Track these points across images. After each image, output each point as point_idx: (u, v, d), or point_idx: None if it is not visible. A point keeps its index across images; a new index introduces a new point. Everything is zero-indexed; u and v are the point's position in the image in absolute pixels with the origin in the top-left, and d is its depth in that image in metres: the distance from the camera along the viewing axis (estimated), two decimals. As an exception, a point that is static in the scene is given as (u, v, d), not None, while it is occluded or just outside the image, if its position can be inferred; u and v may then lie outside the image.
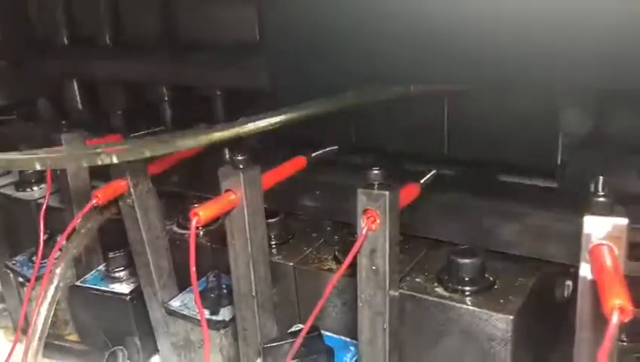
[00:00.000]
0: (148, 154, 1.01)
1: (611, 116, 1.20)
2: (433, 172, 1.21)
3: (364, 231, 0.94)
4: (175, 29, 1.69)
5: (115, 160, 0.99)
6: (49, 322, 1.09)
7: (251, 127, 1.05)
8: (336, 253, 1.28)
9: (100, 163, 1.00)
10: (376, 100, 1.21)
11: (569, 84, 1.11)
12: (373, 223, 0.94)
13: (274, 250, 1.32)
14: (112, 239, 1.41)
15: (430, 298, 1.10)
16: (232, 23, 1.55)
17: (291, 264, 1.27)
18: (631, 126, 1.18)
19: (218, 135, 1.04)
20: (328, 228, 1.40)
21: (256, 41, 1.49)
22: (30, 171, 1.77)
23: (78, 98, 2.01)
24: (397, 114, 1.33)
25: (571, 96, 1.18)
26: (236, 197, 1.03)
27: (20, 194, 1.76)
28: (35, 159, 1.03)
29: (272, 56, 1.42)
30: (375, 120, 1.36)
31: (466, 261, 1.11)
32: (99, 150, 1.00)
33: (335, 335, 1.17)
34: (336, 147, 1.40)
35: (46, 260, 1.47)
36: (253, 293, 1.10)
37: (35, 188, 1.76)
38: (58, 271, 1.11)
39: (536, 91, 1.18)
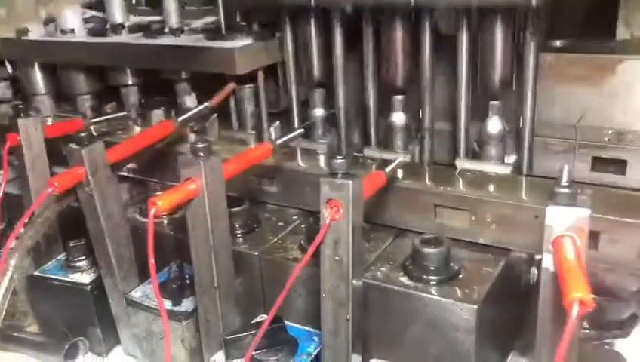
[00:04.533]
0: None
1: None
2: (399, 159, 1.19)
3: (327, 222, 0.92)
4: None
5: None
6: (2, 315, 1.05)
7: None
8: (302, 242, 1.26)
9: None
10: None
11: None
12: (336, 213, 0.92)
13: (239, 239, 1.30)
14: (73, 227, 1.37)
15: (395, 287, 1.09)
16: None
17: (256, 253, 1.25)
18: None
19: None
20: (294, 217, 1.38)
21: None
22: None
23: (39, 81, 1.94)
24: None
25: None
26: (197, 187, 1.00)
27: (-23, 182, 1.70)
28: None
29: None
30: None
31: (431, 250, 1.10)
32: None
33: (299, 326, 1.15)
34: (303, 130, 1.37)
35: (2, 250, 1.44)
36: (216, 285, 1.08)
37: (-7, 174, 1.70)
38: (12, 262, 1.07)
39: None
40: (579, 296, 0.66)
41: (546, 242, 0.79)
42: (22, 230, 1.21)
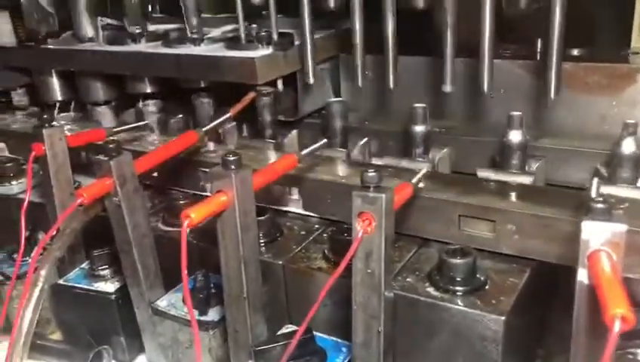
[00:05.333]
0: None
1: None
2: (424, 170, 1.20)
3: (359, 235, 0.92)
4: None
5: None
6: (34, 326, 1.05)
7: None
8: (326, 252, 1.26)
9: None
10: None
11: None
12: (368, 226, 0.92)
13: (262, 249, 1.30)
14: (95, 236, 1.38)
15: (422, 298, 1.10)
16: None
17: (280, 263, 1.26)
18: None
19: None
20: (316, 226, 1.39)
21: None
22: (9, 165, 1.72)
23: (57, 88, 1.95)
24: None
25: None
26: (227, 199, 1.01)
27: (-2, 189, 1.71)
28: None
29: None
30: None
31: (458, 261, 1.10)
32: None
33: (326, 336, 1.16)
34: (326, 140, 1.38)
35: (27, 258, 1.44)
36: (245, 295, 1.09)
37: (14, 182, 1.71)
38: (43, 272, 1.08)
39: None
40: (621, 312, 0.66)
41: (581, 256, 0.80)
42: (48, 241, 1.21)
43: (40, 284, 1.07)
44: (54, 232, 1.19)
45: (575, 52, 1.57)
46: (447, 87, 1.37)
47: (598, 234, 0.78)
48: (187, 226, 0.95)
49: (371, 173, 0.93)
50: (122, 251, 1.23)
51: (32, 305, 1.05)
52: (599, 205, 0.80)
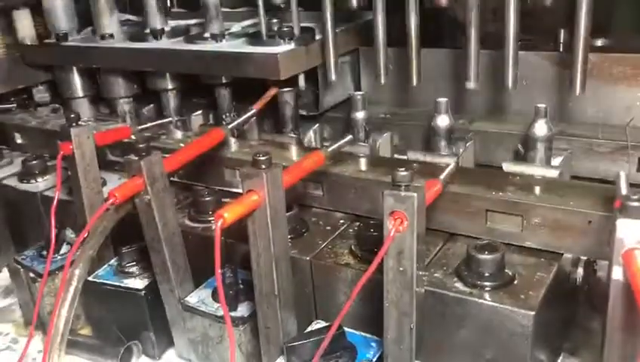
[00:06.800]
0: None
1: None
2: (452, 165, 1.20)
3: (391, 234, 0.93)
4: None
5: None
6: (70, 325, 1.07)
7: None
8: (353, 247, 1.27)
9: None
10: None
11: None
12: (400, 225, 0.93)
13: (289, 244, 1.31)
14: (122, 233, 1.40)
15: (450, 294, 1.10)
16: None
17: (307, 258, 1.27)
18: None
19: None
20: (342, 221, 1.40)
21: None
22: (34, 162, 1.74)
23: (77, 85, 1.96)
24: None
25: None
26: (259, 198, 1.02)
27: (25, 186, 1.73)
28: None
29: None
30: None
31: (486, 256, 1.11)
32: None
33: (356, 332, 1.17)
34: (351, 136, 1.38)
35: (57, 255, 1.47)
36: (276, 292, 1.10)
37: (40, 179, 1.73)
38: (77, 272, 1.10)
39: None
40: (659, 312, 0.67)
41: (616, 254, 0.80)
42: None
43: (74, 283, 1.09)
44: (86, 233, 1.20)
45: (599, 42, 1.56)
46: (472, 84, 1.37)
47: (633, 233, 0.79)
48: (221, 226, 0.97)
49: (402, 172, 0.93)
50: (152, 249, 1.24)
51: (67, 305, 1.07)
52: (634, 203, 0.80)
